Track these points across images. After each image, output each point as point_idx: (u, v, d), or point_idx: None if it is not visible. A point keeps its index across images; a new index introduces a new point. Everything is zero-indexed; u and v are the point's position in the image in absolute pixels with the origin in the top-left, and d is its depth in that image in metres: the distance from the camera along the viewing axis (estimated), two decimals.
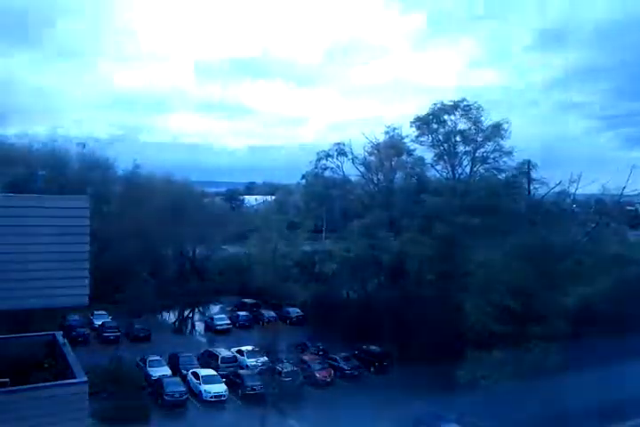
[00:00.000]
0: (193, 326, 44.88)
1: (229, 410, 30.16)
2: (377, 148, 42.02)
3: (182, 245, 51.81)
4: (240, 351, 36.63)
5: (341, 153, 43.12)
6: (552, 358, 28.47)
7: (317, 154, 43.59)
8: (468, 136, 39.90)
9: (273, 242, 46.45)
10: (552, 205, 37.95)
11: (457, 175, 41.14)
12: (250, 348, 36.36)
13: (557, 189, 37.35)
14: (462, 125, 40.25)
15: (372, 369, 36.42)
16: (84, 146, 53.33)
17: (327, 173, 44.33)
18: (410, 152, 42.20)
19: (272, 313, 46.80)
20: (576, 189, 37.14)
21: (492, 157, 39.92)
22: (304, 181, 48.47)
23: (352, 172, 44.20)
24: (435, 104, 40.21)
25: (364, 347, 37.89)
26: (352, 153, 43.17)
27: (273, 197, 71.75)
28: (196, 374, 32.23)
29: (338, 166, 43.78)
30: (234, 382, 32.02)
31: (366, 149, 42.79)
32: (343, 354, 36.98)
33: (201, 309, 46.32)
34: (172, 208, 48.99)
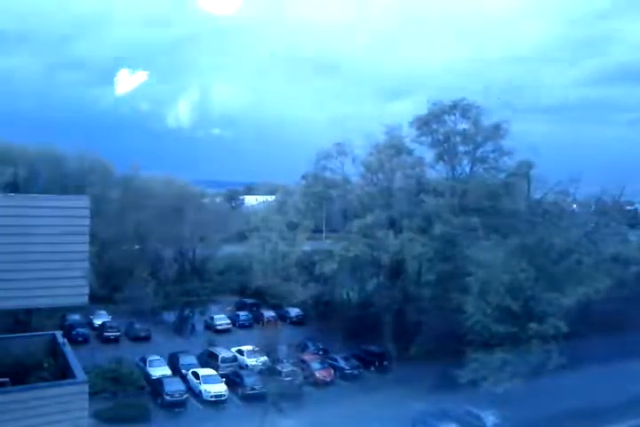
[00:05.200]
0: (193, 325, 44.82)
1: (229, 410, 30.13)
2: (377, 148, 41.93)
3: (182, 245, 51.73)
4: (240, 351, 36.65)
5: (341, 153, 43.03)
6: (552, 358, 28.48)
7: (317, 154, 43.54)
8: (467, 136, 39.84)
9: (273, 242, 46.43)
10: (552, 205, 37.92)
11: (457, 175, 41.08)
12: (250, 348, 36.29)
13: (557, 188, 37.35)
14: (462, 125, 40.24)
15: (371, 369, 36.41)
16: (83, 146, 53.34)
17: (327, 173, 44.26)
18: (410, 152, 42.15)
19: (272, 313, 46.78)
20: (576, 189, 37.20)
21: (491, 157, 39.86)
22: (304, 181, 48.39)
23: (352, 172, 44.18)
24: (434, 104, 40.19)
25: (364, 347, 37.88)
26: (352, 153, 43.12)
27: (273, 197, 71.65)
28: (195, 374, 32.24)
29: (338, 166, 43.73)
30: (234, 381, 32.01)
31: (366, 148, 42.73)
32: (343, 354, 36.99)
33: (201, 309, 46.22)
34: (171, 208, 48.94)
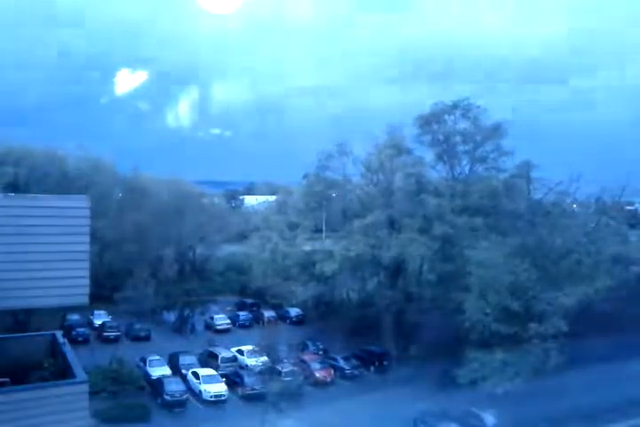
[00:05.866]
0: (193, 325, 44.83)
1: (229, 410, 30.14)
2: (377, 148, 41.90)
3: (182, 245, 51.80)
4: (240, 351, 36.64)
5: (342, 153, 42.99)
6: (552, 357, 28.49)
7: (318, 154, 43.53)
8: (467, 136, 39.89)
9: (273, 242, 46.33)
10: (552, 204, 37.94)
11: (456, 175, 41.12)
12: (250, 348, 36.30)
13: (557, 188, 37.37)
14: (462, 125, 40.27)
15: (372, 369, 36.40)
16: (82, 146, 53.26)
17: (328, 173, 44.24)
18: (410, 152, 42.13)
19: (272, 313, 46.79)
20: (576, 189, 37.22)
21: (491, 156, 39.93)
22: (305, 181, 48.37)
23: (352, 171, 44.15)
24: (435, 104, 40.22)
25: (365, 347, 37.87)
26: (353, 153, 43.09)
27: (273, 197, 71.58)
28: (195, 374, 32.25)
29: (339, 166, 43.68)
30: (234, 381, 32.04)
31: (367, 148, 42.71)
32: (343, 354, 36.97)
33: (201, 309, 46.22)
34: (172, 208, 49.00)
